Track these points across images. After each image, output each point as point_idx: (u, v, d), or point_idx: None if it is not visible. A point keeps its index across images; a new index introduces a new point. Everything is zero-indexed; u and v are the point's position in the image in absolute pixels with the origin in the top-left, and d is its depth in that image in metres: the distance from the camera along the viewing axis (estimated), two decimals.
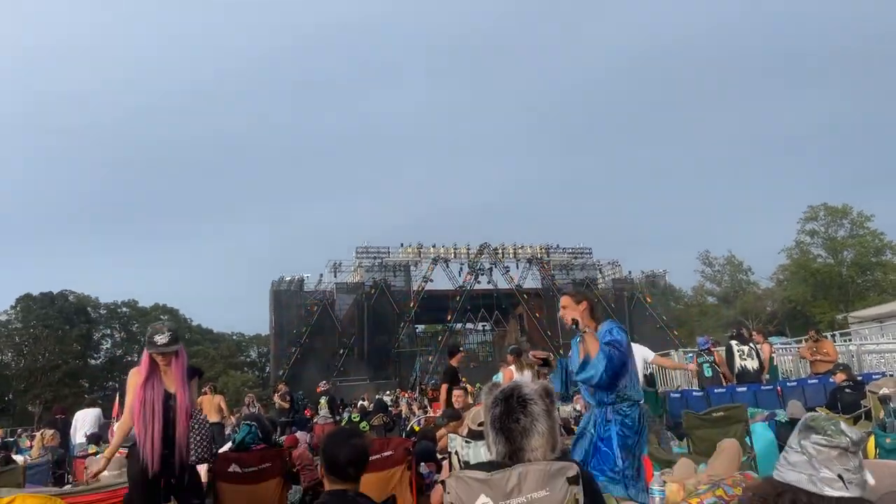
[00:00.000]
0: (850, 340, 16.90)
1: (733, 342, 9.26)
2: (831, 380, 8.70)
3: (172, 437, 3.65)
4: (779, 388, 8.85)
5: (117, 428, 4.10)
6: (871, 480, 1.56)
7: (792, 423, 7.30)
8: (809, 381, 9.14)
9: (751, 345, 9.22)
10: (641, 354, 6.52)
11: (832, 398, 7.56)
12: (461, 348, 9.63)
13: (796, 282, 43.92)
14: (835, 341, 17.63)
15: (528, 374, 8.04)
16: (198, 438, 5.15)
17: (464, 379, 13.84)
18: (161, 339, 3.71)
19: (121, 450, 6.01)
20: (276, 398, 14.56)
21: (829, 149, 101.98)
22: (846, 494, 1.49)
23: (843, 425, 1.59)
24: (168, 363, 3.75)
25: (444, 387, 8.37)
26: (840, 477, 1.51)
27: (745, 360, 9.00)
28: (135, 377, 3.82)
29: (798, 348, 10.98)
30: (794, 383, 9.24)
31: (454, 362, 8.89)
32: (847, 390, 7.40)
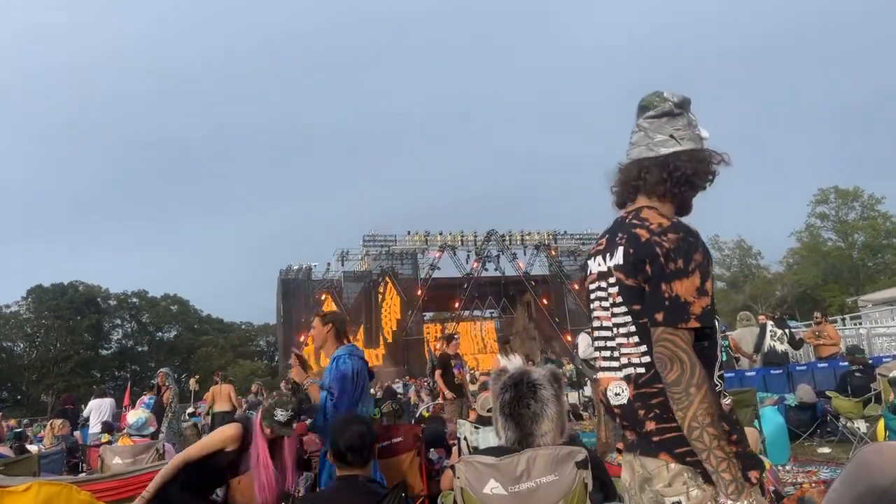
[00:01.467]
0: (860, 324, 16.84)
1: (770, 322, 9.46)
2: (841, 363, 8.68)
3: None
4: (789, 371, 8.85)
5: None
6: (704, 133, 1.71)
7: (801, 407, 7.30)
8: (819, 365, 9.12)
9: (785, 330, 9.34)
10: None
11: (842, 381, 7.53)
12: (455, 335, 10.06)
13: (806, 265, 43.68)
14: (845, 325, 17.62)
15: (516, 359, 8.19)
16: None
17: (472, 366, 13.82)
18: (283, 415, 3.25)
19: (133, 438, 6.08)
20: (282, 385, 14.81)
21: (840, 131, 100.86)
22: (679, 148, 1.66)
23: (666, 93, 1.73)
24: (277, 441, 3.32)
25: (438, 372, 9.00)
26: (671, 136, 1.68)
27: (776, 341, 9.15)
28: (231, 442, 3.30)
29: (804, 332, 10.99)
30: (804, 367, 9.23)
31: (449, 350, 9.29)
32: (857, 374, 7.37)
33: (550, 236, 39.76)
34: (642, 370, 1.60)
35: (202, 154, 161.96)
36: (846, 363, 8.19)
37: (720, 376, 1.61)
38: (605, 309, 1.71)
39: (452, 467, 2.55)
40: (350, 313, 35.54)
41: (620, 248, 1.65)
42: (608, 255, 1.70)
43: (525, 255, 39.49)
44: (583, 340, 7.74)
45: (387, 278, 36.09)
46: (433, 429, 5.57)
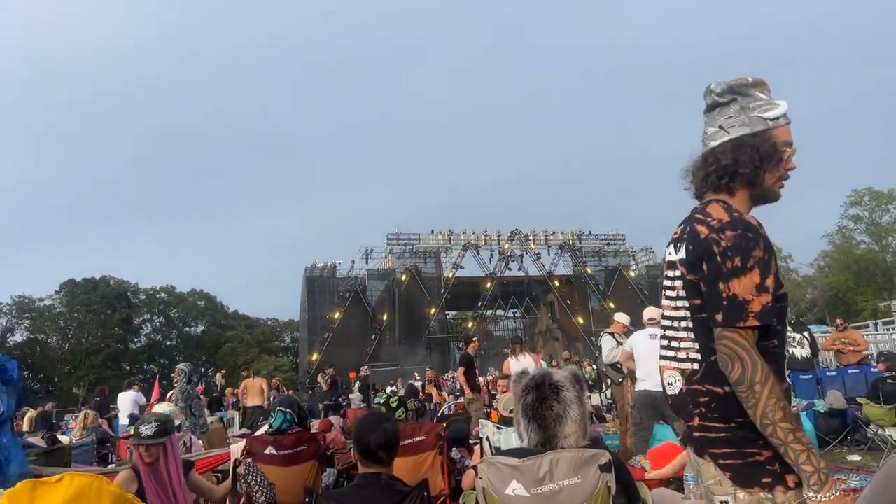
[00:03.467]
0: (893, 329, 16.41)
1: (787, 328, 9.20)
2: (873, 369, 8.48)
3: None
4: (818, 377, 8.67)
5: None
6: (771, 112, 1.66)
7: (831, 413, 7.15)
8: (850, 371, 8.93)
9: (804, 333, 9.05)
10: None
11: (873, 388, 7.34)
12: (475, 338, 10.64)
13: (838, 268, 42.74)
14: (877, 329, 17.18)
15: (526, 359, 8.25)
16: None
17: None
18: (147, 429, 3.27)
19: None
20: (319, 378, 15.16)
21: (876, 130, 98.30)
22: (727, 138, 1.67)
23: (712, 85, 1.73)
24: (154, 458, 3.28)
25: (461, 370, 9.36)
26: (720, 126, 1.70)
27: (795, 347, 8.87)
28: (128, 484, 3.19)
29: (824, 339, 10.69)
30: (834, 373, 9.04)
31: (470, 351, 9.76)
32: (889, 380, 7.18)
33: (575, 237, 39.52)
34: (696, 366, 1.64)
35: (230, 151, 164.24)
36: (877, 369, 8.01)
37: (788, 374, 1.64)
38: (670, 299, 1.74)
39: (475, 467, 2.55)
40: (374, 311, 35.75)
41: (684, 244, 1.68)
42: (679, 244, 1.72)
43: (549, 255, 39.34)
44: (606, 344, 7.64)
45: (410, 277, 36.15)
46: (456, 428, 5.58)
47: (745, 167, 1.63)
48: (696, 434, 1.64)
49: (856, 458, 6.52)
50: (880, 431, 6.67)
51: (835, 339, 9.79)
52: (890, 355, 8.04)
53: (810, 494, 1.41)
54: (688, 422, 1.67)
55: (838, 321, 10.13)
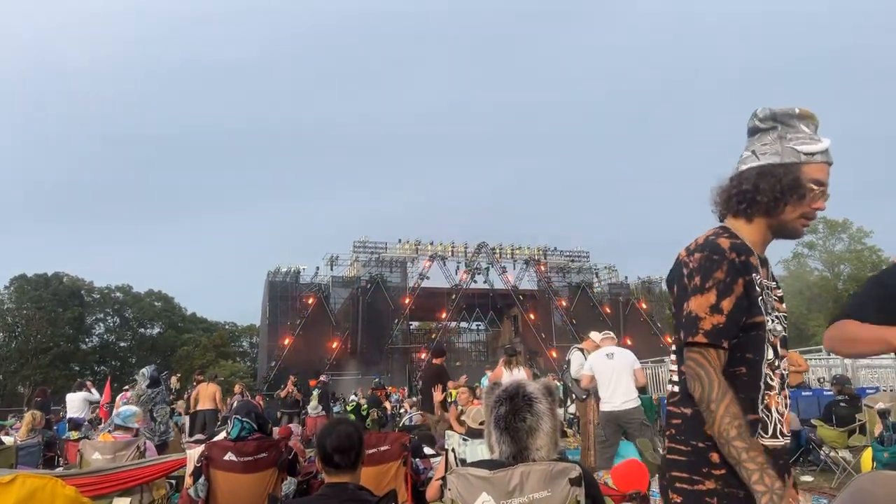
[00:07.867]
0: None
1: None
2: (825, 392, 8.73)
3: None
4: None
5: None
6: (810, 147, 1.61)
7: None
8: (804, 394, 9.15)
9: None
10: (629, 362, 6.52)
11: (827, 411, 7.57)
12: (444, 351, 10.08)
13: (791, 294, 44.04)
14: (829, 354, 17.70)
15: (519, 372, 8.05)
16: None
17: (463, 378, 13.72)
18: None
19: (113, 434, 5.97)
20: (290, 387, 14.71)
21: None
22: (756, 164, 1.64)
23: (758, 110, 1.68)
24: None
25: (440, 387, 8.53)
26: (753, 152, 1.67)
27: None
28: None
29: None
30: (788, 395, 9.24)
31: (440, 363, 9.24)
32: (842, 404, 7.41)
33: (541, 252, 39.90)
34: (676, 388, 1.67)
35: (193, 154, 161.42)
36: (831, 392, 8.24)
37: (766, 407, 1.58)
38: None
39: (443, 478, 2.52)
40: (337, 319, 35.37)
41: None
42: None
43: (514, 269, 39.61)
44: (576, 359, 7.60)
45: (374, 286, 35.91)
46: (419, 438, 5.52)
47: (764, 195, 1.60)
48: (665, 456, 1.64)
49: (808, 478, 6.68)
50: (832, 453, 6.85)
51: None
52: (842, 379, 8.29)
53: None
54: (665, 442, 1.68)
55: None
